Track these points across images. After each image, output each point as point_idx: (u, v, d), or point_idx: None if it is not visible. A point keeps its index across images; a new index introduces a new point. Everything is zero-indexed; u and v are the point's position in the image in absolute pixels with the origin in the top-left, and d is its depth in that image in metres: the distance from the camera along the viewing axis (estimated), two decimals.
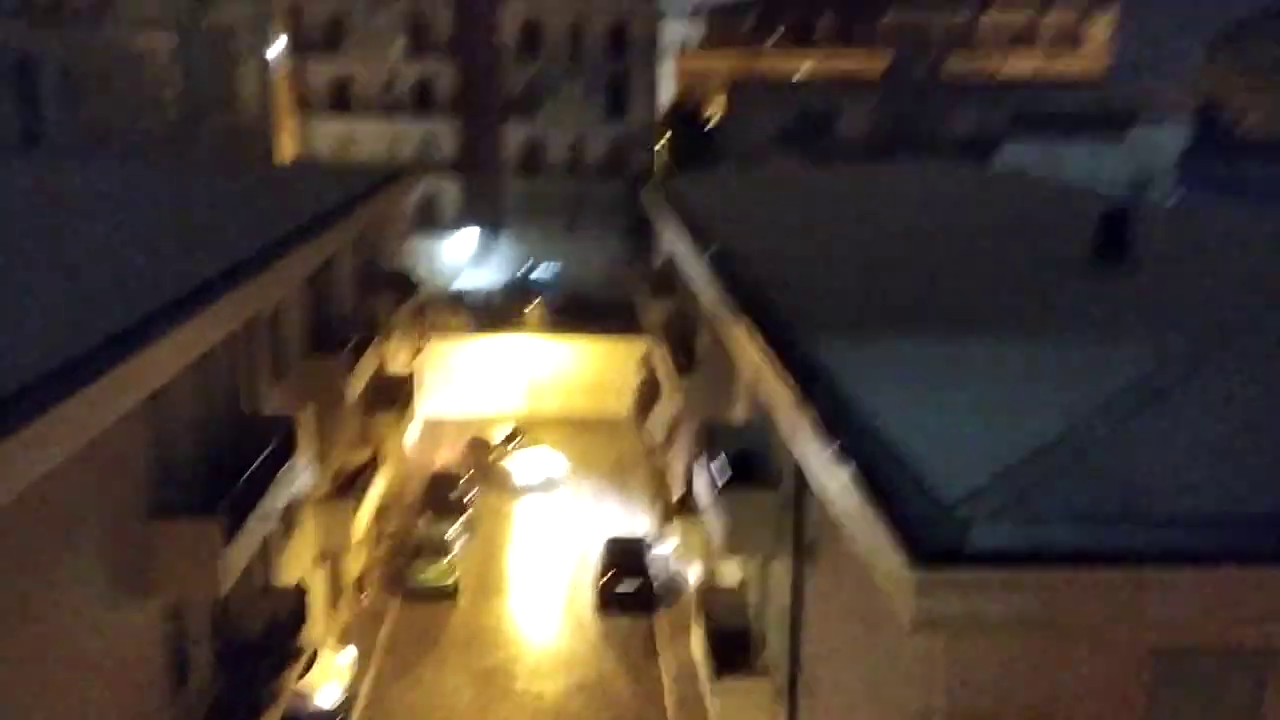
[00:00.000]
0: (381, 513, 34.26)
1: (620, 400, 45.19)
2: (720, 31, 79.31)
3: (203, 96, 45.02)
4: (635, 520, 37.02)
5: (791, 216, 32.21)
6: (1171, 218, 30.24)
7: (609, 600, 31.30)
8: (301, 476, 21.87)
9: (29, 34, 42.64)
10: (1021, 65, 76.91)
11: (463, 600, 31.94)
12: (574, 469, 41.46)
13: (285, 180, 40.06)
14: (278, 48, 64.22)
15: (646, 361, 42.76)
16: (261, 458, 19.26)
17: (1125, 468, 11.62)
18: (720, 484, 19.44)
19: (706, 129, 66.65)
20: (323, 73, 65.95)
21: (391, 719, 26.55)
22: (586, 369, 49.33)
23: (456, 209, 66.45)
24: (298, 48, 65.96)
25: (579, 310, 58.59)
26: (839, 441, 12.77)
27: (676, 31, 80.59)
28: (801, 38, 78.19)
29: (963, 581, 10.09)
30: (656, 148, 67.77)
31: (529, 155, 66.92)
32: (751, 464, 19.93)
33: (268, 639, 21.47)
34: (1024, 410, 13.15)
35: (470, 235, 66.30)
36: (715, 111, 69.07)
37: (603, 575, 31.62)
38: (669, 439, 34.10)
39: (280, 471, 20.11)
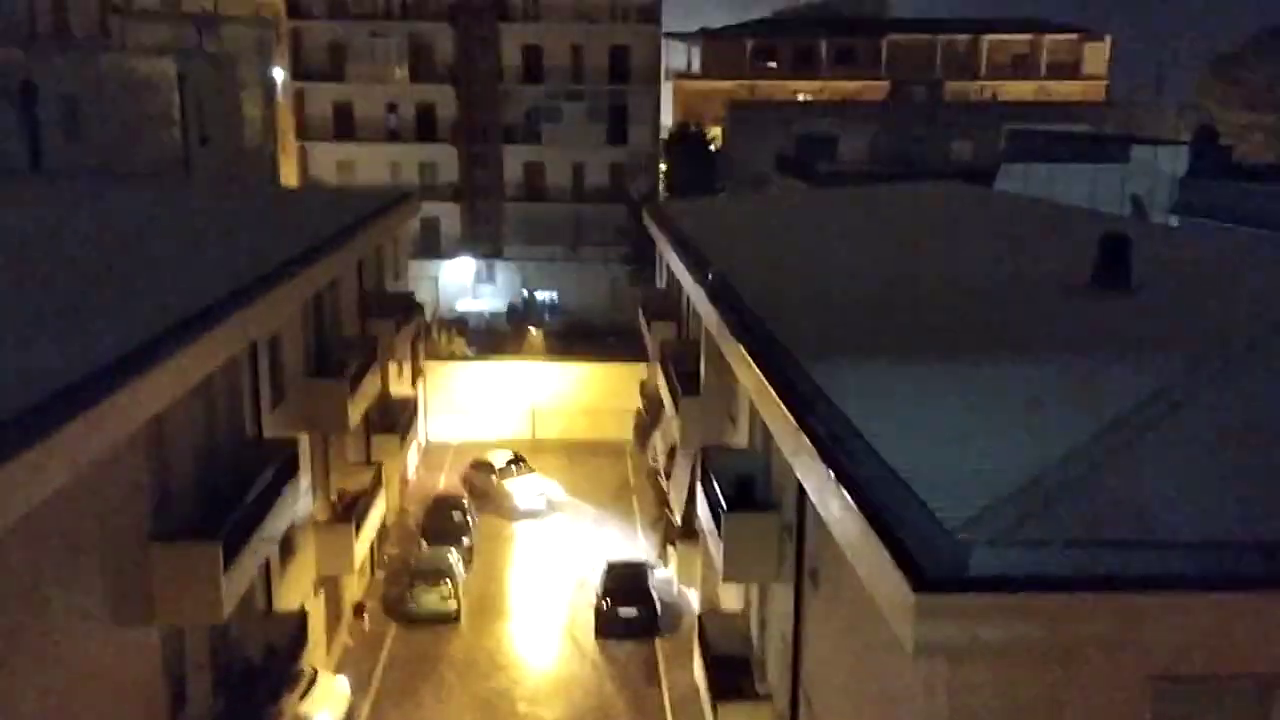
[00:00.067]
0: (381, 537, 34.20)
1: (621, 424, 45.16)
2: (721, 56, 79.77)
3: (205, 122, 45.26)
4: (636, 545, 36.92)
5: (792, 239, 32.31)
6: (1170, 241, 30.32)
7: (609, 625, 31.16)
8: (302, 501, 21.85)
9: (31, 59, 42.90)
10: (1020, 89, 77.39)
11: (462, 625, 31.81)
12: (574, 493, 41.39)
13: (287, 205, 40.22)
14: (280, 74, 64.62)
15: (647, 385, 42.81)
16: (262, 482, 19.26)
17: (1126, 492, 11.61)
18: (721, 508, 19.42)
19: (707, 153, 66.94)
20: (325, 98, 66.34)
21: None
22: (587, 393, 49.31)
23: (458, 233, 66.64)
24: (300, 74, 66.40)
25: (580, 334, 58.68)
26: (839, 465, 12.76)
27: (677, 56, 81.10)
28: (802, 62, 78.70)
29: (964, 606, 10.06)
30: (657, 172, 68.04)
31: (530, 179, 67.18)
32: (752, 488, 19.91)
33: (267, 664, 21.41)
34: (1025, 434, 13.15)
35: (471, 259, 66.49)
36: (716, 135, 69.39)
37: (603, 600, 31.50)
38: (669, 463, 34.07)
39: (281, 496, 20.10)
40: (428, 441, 45.25)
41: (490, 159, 66.89)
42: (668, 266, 35.96)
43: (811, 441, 13.81)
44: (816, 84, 77.14)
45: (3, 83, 41.32)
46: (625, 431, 44.86)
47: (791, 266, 27.16)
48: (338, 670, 27.97)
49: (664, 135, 68.84)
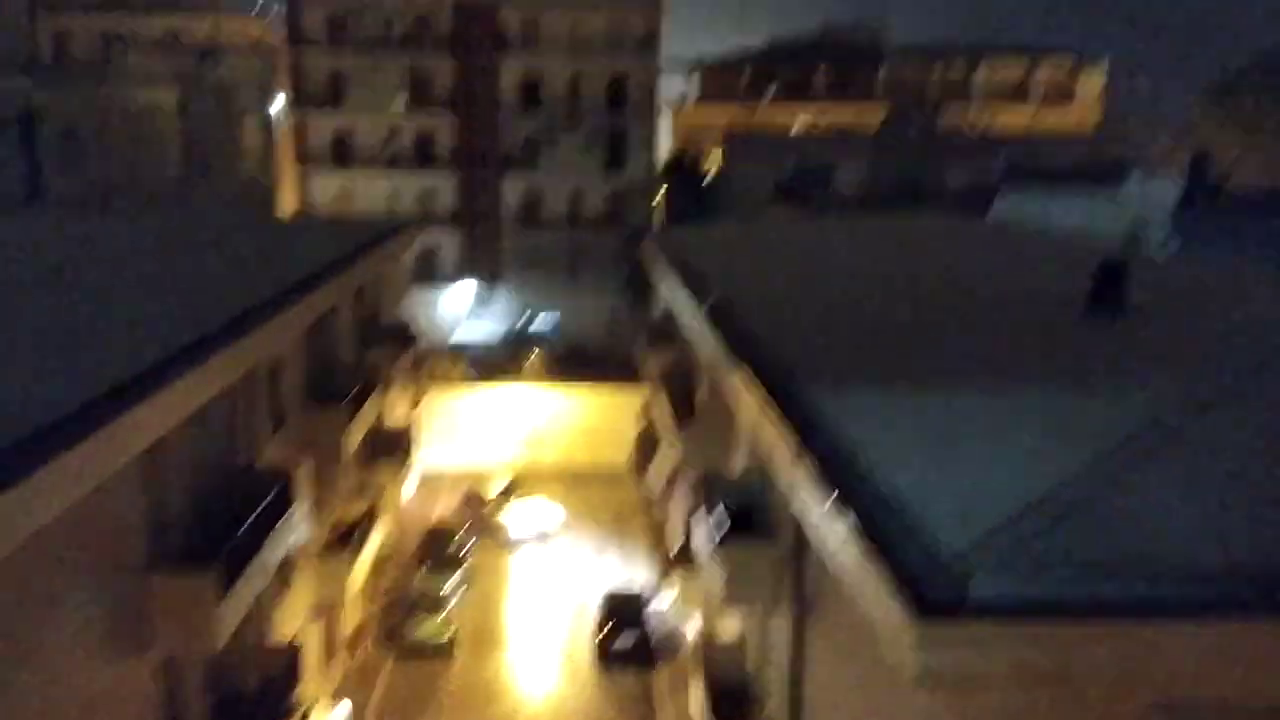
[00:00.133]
0: (378, 566, 34.03)
1: (619, 451, 45.10)
2: (717, 86, 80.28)
3: (205, 151, 45.49)
4: (633, 573, 36.77)
5: (789, 268, 32.39)
6: (1166, 270, 30.43)
7: (607, 655, 30.99)
8: (298, 530, 21.76)
9: (32, 90, 43.18)
10: (1015, 119, 77.85)
11: (459, 655, 31.61)
12: (572, 520, 41.26)
13: (286, 233, 40.32)
14: (279, 103, 64.96)
15: (645, 412, 42.75)
16: (258, 510, 19.18)
17: (1126, 519, 11.59)
18: (719, 536, 19.35)
19: (704, 182, 67.26)
20: (324, 127, 66.67)
21: None
22: (585, 420, 49.28)
23: (456, 261, 66.82)
24: (299, 102, 66.74)
25: (578, 361, 58.67)
26: (838, 493, 12.74)
27: (674, 86, 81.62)
28: (797, 92, 79.18)
29: (964, 635, 10.02)
30: (654, 200, 68.31)
31: (528, 208, 67.44)
32: (751, 516, 19.84)
33: (262, 694, 21.24)
34: (1023, 462, 13.15)
35: (469, 287, 66.62)
36: (712, 164, 69.75)
37: (601, 629, 31.33)
38: (668, 490, 33.98)
39: (277, 524, 20.02)
40: (425, 468, 45.13)
41: (489, 187, 67.18)
42: (665, 293, 36.01)
43: (810, 467, 13.80)
44: (813, 112, 77.61)
45: (3, 112, 41.55)
46: (623, 458, 44.79)
47: (789, 293, 27.22)
48: (333, 701, 27.75)
49: (661, 164, 69.19)
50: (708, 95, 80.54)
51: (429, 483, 44.53)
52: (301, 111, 66.57)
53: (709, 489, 21.43)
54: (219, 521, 18.58)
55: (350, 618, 31.29)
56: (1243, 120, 67.02)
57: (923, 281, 27.97)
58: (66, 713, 14.37)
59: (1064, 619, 10.11)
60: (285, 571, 24.07)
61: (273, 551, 19.83)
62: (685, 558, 29.27)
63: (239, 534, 18.05)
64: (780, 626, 18.93)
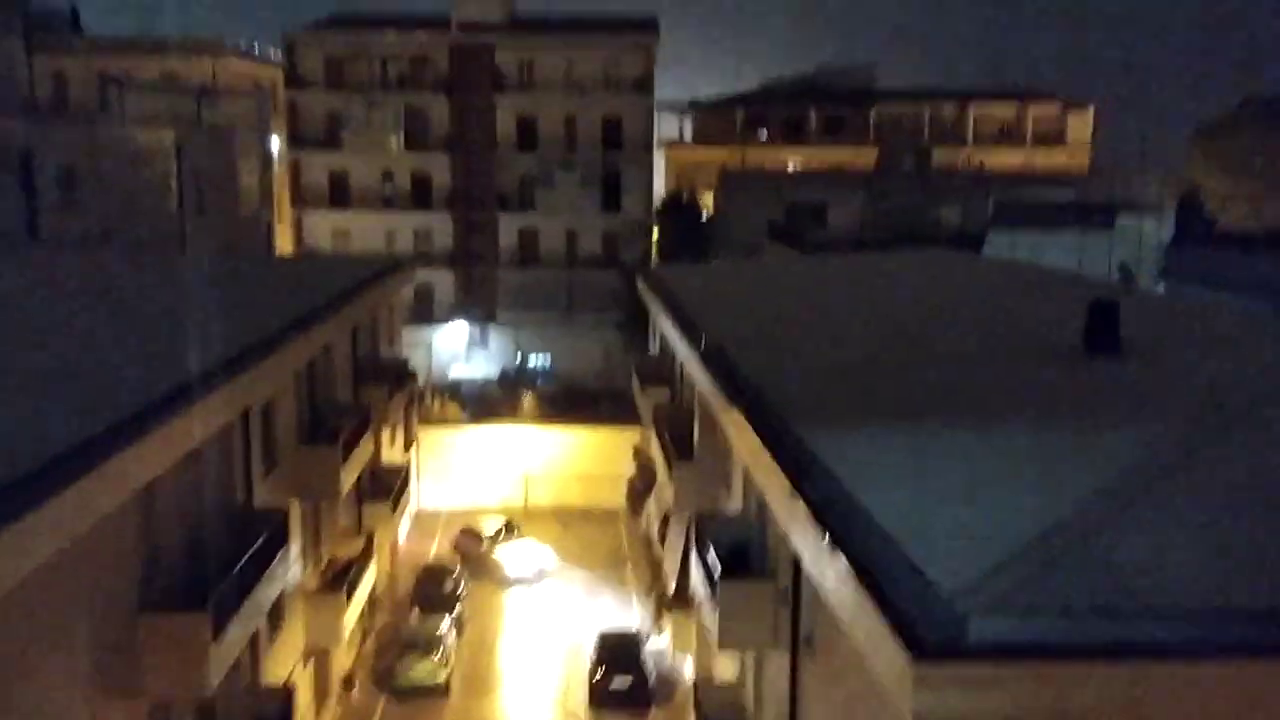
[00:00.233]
0: (372, 606, 33.79)
1: (614, 490, 44.96)
2: (712, 125, 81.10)
3: (202, 191, 45.77)
4: (629, 613, 36.53)
5: (784, 306, 32.50)
6: (1158, 308, 30.59)
7: (602, 697, 30.70)
8: (292, 569, 21.65)
9: (30, 129, 43.47)
10: (1007, 159, 78.58)
11: (453, 697, 31.31)
12: (567, 560, 41.04)
13: (282, 272, 40.42)
14: (276, 142, 65.38)
15: (640, 451, 42.67)
16: (251, 550, 19.09)
17: (1125, 558, 11.56)
18: (715, 575, 19.27)
19: (699, 220, 67.65)
20: (321, 167, 67.07)
21: None
22: (580, 459, 49.16)
23: (452, 300, 66.97)
24: (296, 143, 67.20)
25: (573, 400, 58.68)
26: (834, 532, 12.71)
27: (669, 125, 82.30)
28: (792, 131, 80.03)
29: (962, 675, 9.96)
30: (650, 240, 68.65)
31: (524, 246, 67.72)
32: (747, 555, 19.78)
33: None
34: (1020, 500, 13.13)
35: (465, 326, 66.71)
36: (708, 203, 70.19)
37: (595, 671, 31.07)
38: (663, 530, 33.84)
39: (271, 564, 19.92)
40: (419, 508, 44.95)
41: (485, 226, 67.48)
42: (661, 332, 36.10)
43: (806, 507, 13.77)
44: (806, 152, 78.31)
45: (2, 152, 41.79)
46: (618, 497, 44.66)
47: (785, 332, 27.30)
48: None
49: (657, 203, 69.62)
50: (702, 135, 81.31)
51: (423, 522, 44.31)
52: (299, 152, 67.02)
53: (704, 528, 21.36)
54: (212, 561, 18.48)
55: (343, 658, 31.02)
56: (1232, 159, 67.67)
57: (918, 318, 28.07)
58: None
59: (1062, 660, 10.06)
60: (278, 612, 23.90)
61: (266, 592, 19.72)
62: (681, 597, 29.12)
63: (232, 574, 17.96)
64: (777, 666, 18.81)
